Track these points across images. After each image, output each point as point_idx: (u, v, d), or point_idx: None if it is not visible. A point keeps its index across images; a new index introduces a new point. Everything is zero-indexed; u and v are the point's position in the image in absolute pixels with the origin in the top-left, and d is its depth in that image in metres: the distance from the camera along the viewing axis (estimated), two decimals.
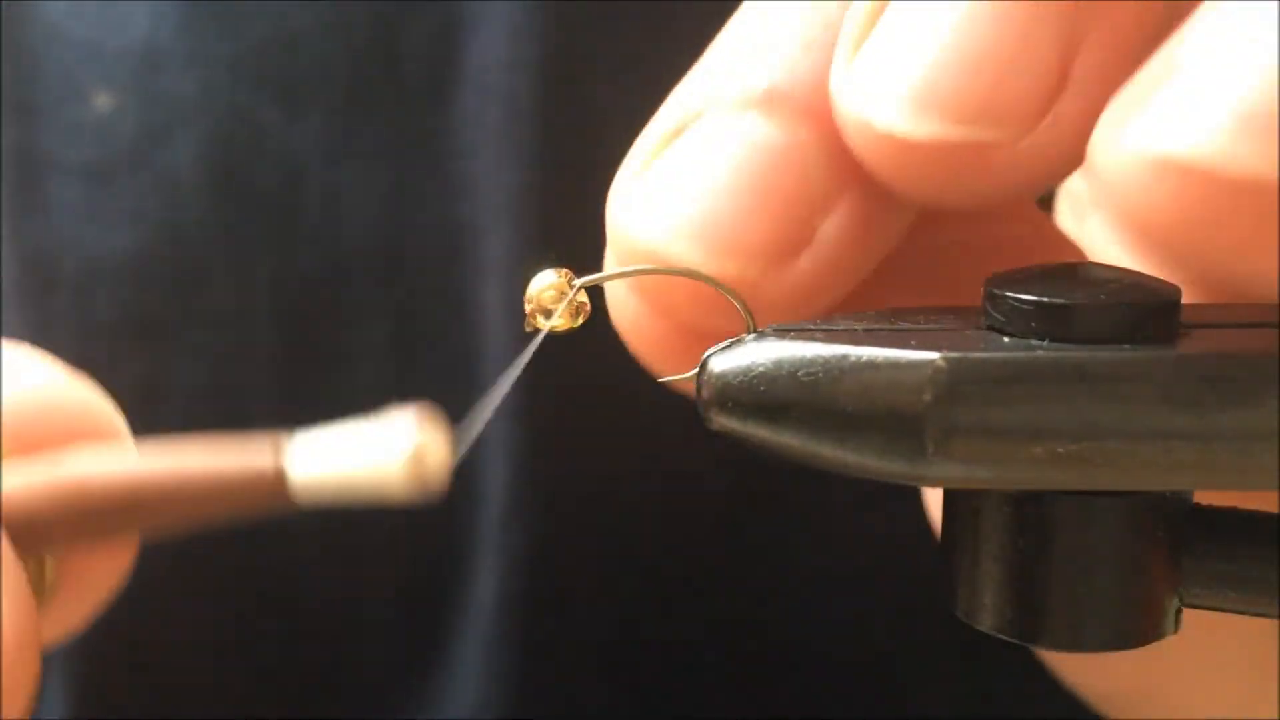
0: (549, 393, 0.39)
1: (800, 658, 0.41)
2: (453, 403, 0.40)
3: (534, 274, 0.23)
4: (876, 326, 0.21)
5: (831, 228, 0.22)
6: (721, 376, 0.20)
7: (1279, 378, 0.18)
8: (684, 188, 0.22)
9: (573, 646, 0.41)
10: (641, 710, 0.41)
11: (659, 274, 0.22)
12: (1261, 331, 0.20)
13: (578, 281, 0.23)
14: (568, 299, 0.23)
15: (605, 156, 0.40)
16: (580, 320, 0.23)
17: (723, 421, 0.21)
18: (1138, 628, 0.21)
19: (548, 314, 0.23)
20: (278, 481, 0.22)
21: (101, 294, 0.40)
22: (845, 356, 0.19)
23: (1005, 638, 0.21)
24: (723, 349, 0.21)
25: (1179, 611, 0.22)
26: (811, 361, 0.20)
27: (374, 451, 0.22)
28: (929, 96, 0.20)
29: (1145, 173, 0.18)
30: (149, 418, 0.41)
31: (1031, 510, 0.21)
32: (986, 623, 0.22)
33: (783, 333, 0.21)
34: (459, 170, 0.40)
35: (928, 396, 0.19)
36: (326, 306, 0.40)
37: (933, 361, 0.19)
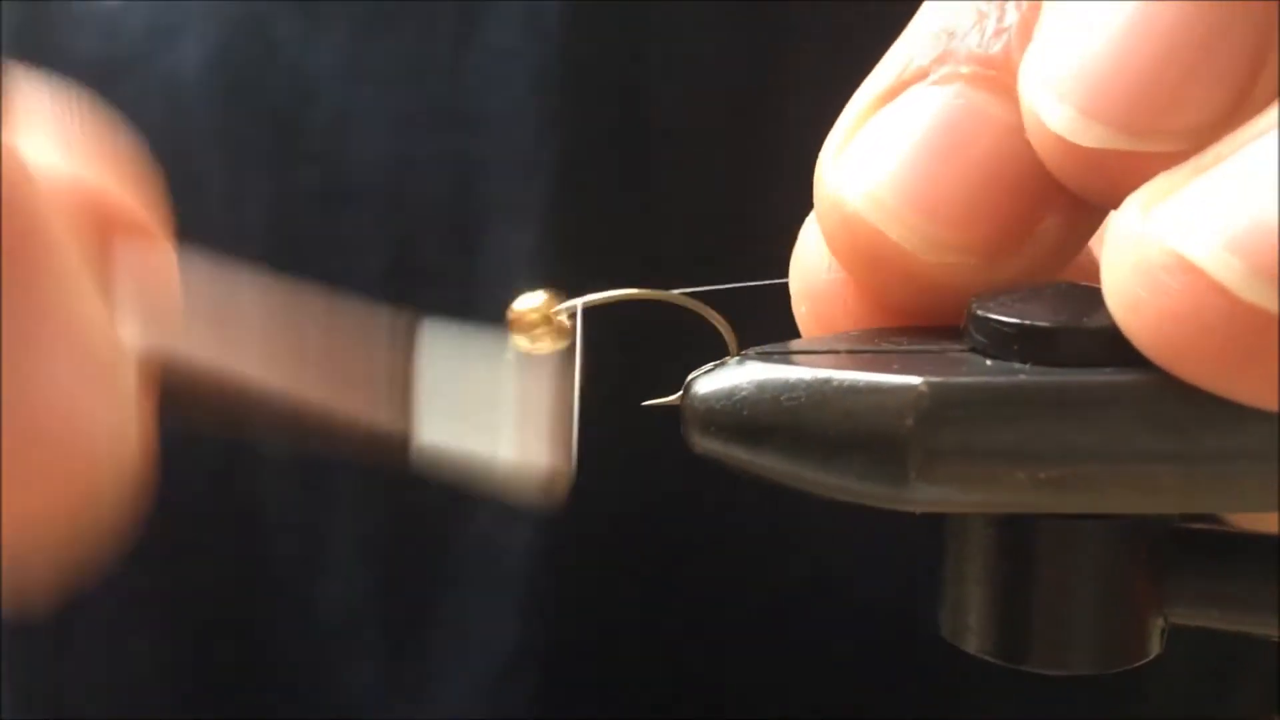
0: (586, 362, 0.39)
1: (831, 625, 0.41)
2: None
3: (519, 295, 0.23)
4: (859, 348, 0.21)
5: (1053, 223, 0.20)
6: (704, 400, 0.20)
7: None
8: (896, 152, 0.20)
9: (606, 608, 0.41)
10: (674, 672, 0.41)
11: (648, 298, 0.22)
12: None
13: (560, 306, 0.23)
14: (548, 322, 0.23)
15: (636, 95, 0.39)
16: (563, 343, 0.23)
17: (706, 445, 0.21)
18: (1123, 649, 0.21)
19: (531, 338, 0.23)
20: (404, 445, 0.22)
21: None
22: (828, 381, 0.19)
23: (990, 659, 0.21)
24: (706, 372, 0.21)
25: (1164, 631, 0.22)
26: (794, 386, 0.20)
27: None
28: (1101, 102, 0.19)
29: (1154, 262, 0.17)
30: None
31: (1015, 533, 0.21)
32: (972, 644, 0.22)
33: (766, 355, 0.20)
34: (476, 105, 0.39)
35: (910, 421, 0.19)
36: (324, 230, 0.39)
37: (915, 386, 0.19)
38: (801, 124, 0.38)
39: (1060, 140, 0.19)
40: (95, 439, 0.20)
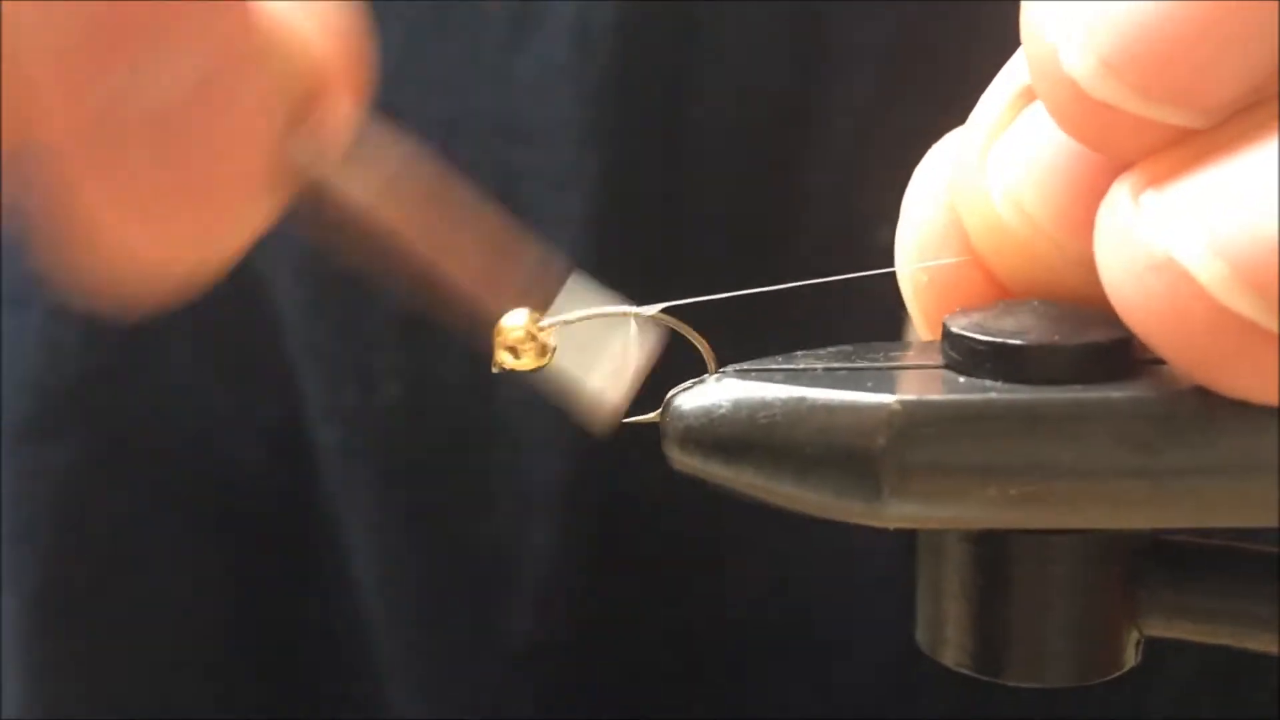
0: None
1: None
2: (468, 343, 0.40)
3: (502, 313, 0.23)
4: (835, 366, 0.21)
5: None
6: (683, 418, 0.21)
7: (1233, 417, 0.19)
8: (1048, 164, 0.20)
9: (621, 606, 0.41)
10: (688, 671, 0.42)
11: (640, 315, 0.22)
12: None
13: (544, 322, 0.23)
14: (530, 339, 0.23)
15: (681, 111, 0.39)
16: (547, 359, 0.23)
17: (685, 461, 0.21)
18: (1098, 661, 0.22)
19: (514, 353, 0.23)
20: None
21: None
22: (803, 399, 0.20)
23: (967, 672, 0.22)
24: (685, 389, 0.21)
25: (1139, 643, 0.22)
26: (770, 404, 0.20)
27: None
28: (1125, 56, 0.18)
29: (1141, 260, 0.17)
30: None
31: (989, 548, 0.21)
32: (949, 657, 0.22)
33: (744, 373, 0.21)
34: (522, 115, 0.39)
35: (882, 440, 0.19)
36: None
37: (888, 405, 0.19)
38: (845, 141, 0.38)
39: (1071, 84, 0.18)
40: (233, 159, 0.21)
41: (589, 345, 0.23)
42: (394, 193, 0.24)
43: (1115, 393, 0.19)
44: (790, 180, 0.39)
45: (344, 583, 0.42)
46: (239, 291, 0.41)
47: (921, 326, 0.23)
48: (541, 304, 0.23)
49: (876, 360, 0.21)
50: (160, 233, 0.21)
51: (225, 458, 0.42)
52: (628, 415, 0.23)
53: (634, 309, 0.23)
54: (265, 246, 0.40)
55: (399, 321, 0.40)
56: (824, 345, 0.22)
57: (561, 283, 0.24)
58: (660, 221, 0.36)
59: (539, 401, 0.39)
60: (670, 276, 0.38)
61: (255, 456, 0.42)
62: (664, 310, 0.23)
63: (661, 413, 0.21)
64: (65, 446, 0.42)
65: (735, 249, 0.39)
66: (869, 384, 0.20)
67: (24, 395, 0.42)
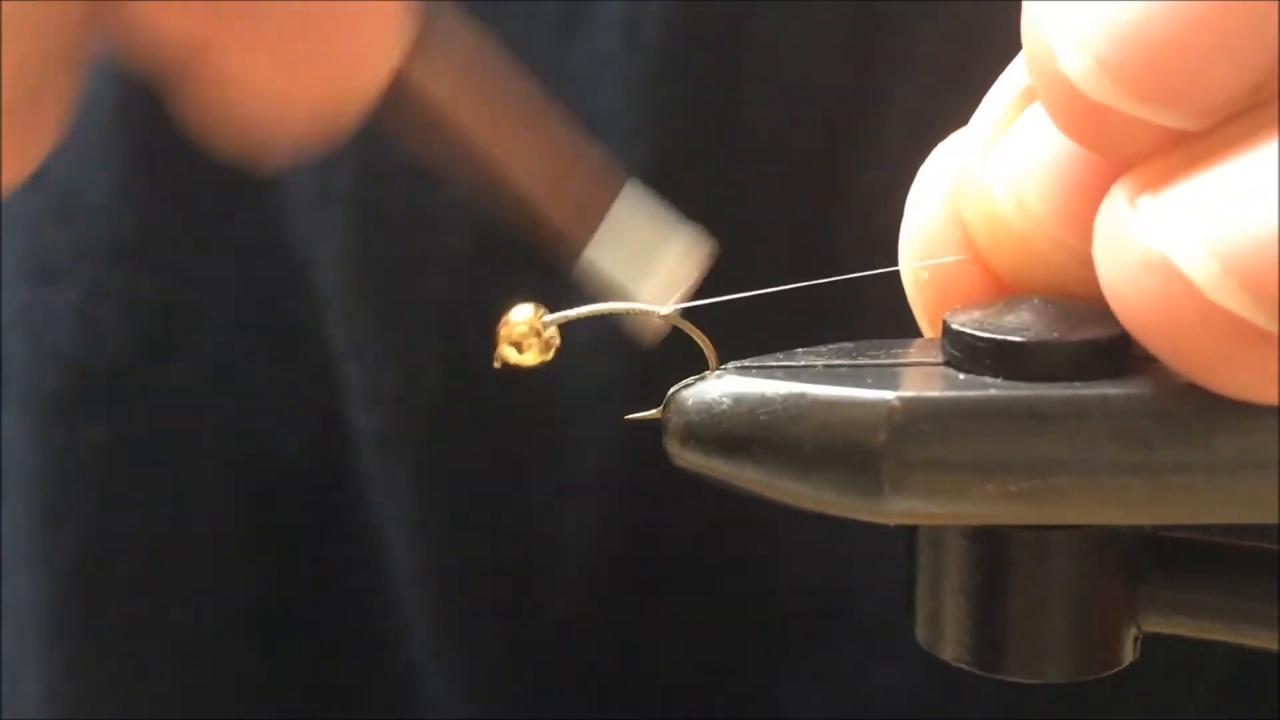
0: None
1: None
2: None
3: (509, 308, 0.24)
4: (837, 363, 0.21)
5: None
6: (684, 414, 0.21)
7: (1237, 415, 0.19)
8: (1046, 160, 0.20)
9: (654, 594, 0.41)
10: (721, 659, 0.42)
11: (640, 310, 0.23)
12: None
13: (548, 318, 0.23)
14: (536, 334, 0.23)
15: (730, 107, 0.39)
16: (551, 354, 0.23)
17: (686, 457, 0.21)
18: (1097, 657, 0.22)
19: (518, 348, 0.23)
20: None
21: None
22: (803, 395, 0.20)
23: (966, 668, 0.22)
24: (686, 386, 0.21)
25: (1138, 639, 0.22)
26: (770, 400, 0.20)
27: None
28: (1120, 57, 0.18)
29: (1136, 260, 0.18)
30: (212, 276, 0.41)
31: (988, 543, 0.21)
32: (948, 653, 0.22)
33: (745, 370, 0.21)
34: (570, 107, 0.39)
35: (882, 436, 0.19)
36: (410, 207, 0.40)
37: (888, 401, 0.19)
38: (896, 142, 0.38)
39: (1067, 84, 0.18)
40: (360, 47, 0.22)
41: (640, 255, 0.23)
42: (466, 82, 0.25)
43: (1114, 390, 0.19)
44: (839, 179, 0.39)
45: (381, 569, 0.43)
46: (281, 275, 0.41)
47: (923, 324, 0.23)
48: (594, 222, 0.24)
49: (877, 357, 0.21)
50: (291, 70, 0.21)
51: (264, 443, 0.42)
52: (631, 413, 0.24)
53: (643, 306, 0.23)
54: (308, 231, 0.40)
55: (441, 308, 0.41)
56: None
57: (618, 189, 0.24)
58: (707, 217, 0.36)
59: (578, 388, 0.40)
60: (715, 271, 0.39)
61: (294, 442, 0.42)
62: (667, 308, 0.23)
63: (663, 409, 0.21)
64: (101, 427, 0.42)
65: (781, 246, 0.39)
66: (869, 381, 0.20)
67: (59, 373, 0.42)
